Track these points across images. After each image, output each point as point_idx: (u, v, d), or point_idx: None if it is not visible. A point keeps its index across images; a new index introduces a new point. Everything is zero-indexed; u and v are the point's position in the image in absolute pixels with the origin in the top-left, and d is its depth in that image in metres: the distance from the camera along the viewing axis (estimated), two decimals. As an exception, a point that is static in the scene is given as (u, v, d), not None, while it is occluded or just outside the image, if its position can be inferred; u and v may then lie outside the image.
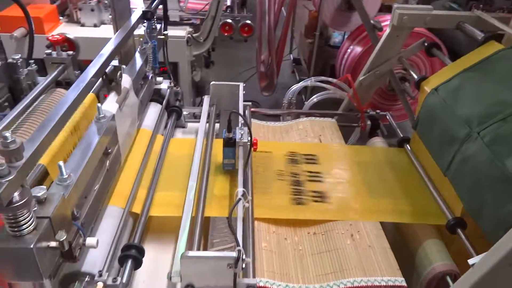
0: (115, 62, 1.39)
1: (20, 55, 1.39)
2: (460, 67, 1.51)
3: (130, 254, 1.06)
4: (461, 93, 1.42)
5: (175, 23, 2.68)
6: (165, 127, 1.78)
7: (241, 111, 1.64)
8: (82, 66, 1.61)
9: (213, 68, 3.44)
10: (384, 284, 1.13)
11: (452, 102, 1.42)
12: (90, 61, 1.30)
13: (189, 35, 2.66)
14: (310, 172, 1.59)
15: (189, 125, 1.91)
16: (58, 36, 2.35)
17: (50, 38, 2.30)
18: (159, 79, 1.89)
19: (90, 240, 0.93)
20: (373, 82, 2.12)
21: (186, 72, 2.71)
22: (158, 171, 1.43)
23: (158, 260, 1.22)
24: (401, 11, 1.81)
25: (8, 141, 0.69)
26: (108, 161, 1.23)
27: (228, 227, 1.08)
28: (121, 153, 1.34)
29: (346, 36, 3.68)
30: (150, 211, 1.28)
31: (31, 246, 0.73)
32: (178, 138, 1.79)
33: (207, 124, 1.69)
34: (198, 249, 1.13)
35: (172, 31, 2.12)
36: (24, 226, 0.74)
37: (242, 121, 1.49)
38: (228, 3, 3.24)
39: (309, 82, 2.29)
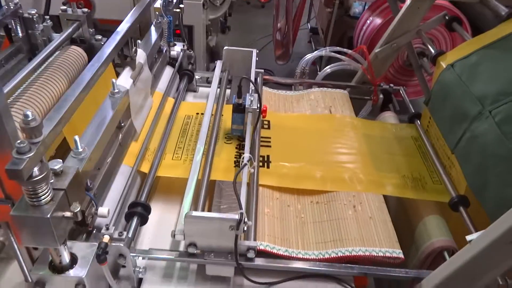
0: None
1: (35, 10, 1.39)
2: (480, 43, 1.47)
3: (136, 211, 1.10)
4: (477, 71, 1.39)
5: (192, -15, 2.63)
6: (177, 90, 1.79)
7: (252, 78, 1.64)
8: (97, 25, 1.62)
9: (229, 34, 3.39)
10: (382, 254, 1.15)
11: (467, 79, 1.39)
12: (106, 21, 1.29)
13: (205, -2, 2.62)
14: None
15: (201, 89, 1.91)
16: (74, -7, 2.33)
17: (66, -6, 2.29)
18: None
19: (102, 210, 1.00)
20: (389, 55, 2.07)
21: (201, 36, 2.68)
22: (167, 133, 1.45)
23: (163, 218, 1.26)
24: (424, -19, 1.75)
25: (29, 118, 0.73)
26: (121, 134, 1.28)
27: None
28: (134, 126, 1.37)
29: (366, 7, 3.57)
30: (158, 171, 1.31)
31: (48, 215, 0.78)
32: (188, 101, 1.80)
33: (218, 89, 1.69)
34: (203, 210, 1.16)
35: (188, -7, 2.09)
36: (42, 197, 0.78)
37: (253, 88, 1.49)
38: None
39: (324, 52, 2.25)
